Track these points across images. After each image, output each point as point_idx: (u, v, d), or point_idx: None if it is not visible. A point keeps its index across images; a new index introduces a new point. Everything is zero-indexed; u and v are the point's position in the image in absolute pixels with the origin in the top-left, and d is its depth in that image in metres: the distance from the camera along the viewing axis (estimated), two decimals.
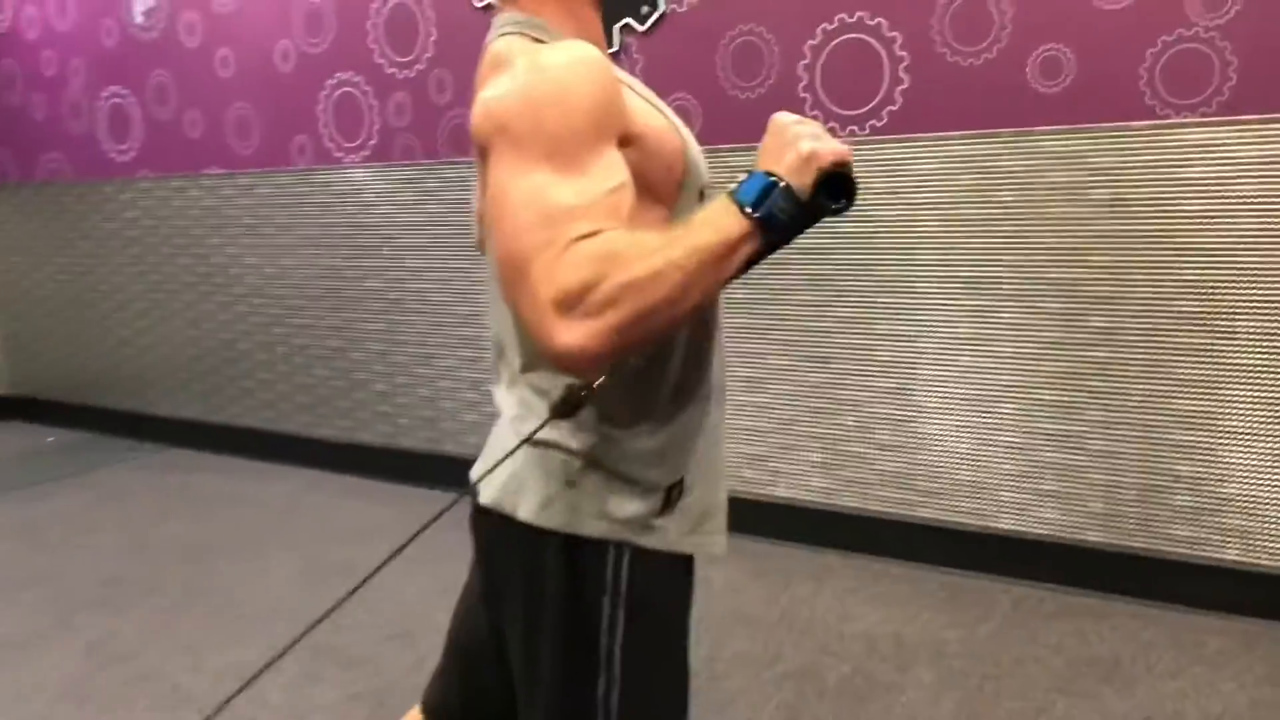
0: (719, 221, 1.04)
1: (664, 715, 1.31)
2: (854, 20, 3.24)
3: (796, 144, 1.07)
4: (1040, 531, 3.19)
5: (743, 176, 1.06)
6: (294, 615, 3.11)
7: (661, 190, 1.19)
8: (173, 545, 3.86)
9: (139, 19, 4.92)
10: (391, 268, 4.37)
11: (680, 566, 1.32)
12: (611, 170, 1.07)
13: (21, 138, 5.51)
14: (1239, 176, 2.77)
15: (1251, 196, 2.77)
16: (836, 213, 1.08)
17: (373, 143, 4.33)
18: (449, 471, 4.36)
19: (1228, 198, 2.80)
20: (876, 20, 3.20)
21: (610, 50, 3.62)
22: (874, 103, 3.25)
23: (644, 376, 1.25)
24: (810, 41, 3.31)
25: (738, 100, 3.45)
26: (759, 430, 3.58)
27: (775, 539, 3.55)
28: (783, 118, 1.12)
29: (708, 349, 1.31)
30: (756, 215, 1.03)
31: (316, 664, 2.84)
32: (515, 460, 1.27)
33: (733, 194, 1.05)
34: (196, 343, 5.06)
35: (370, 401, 4.56)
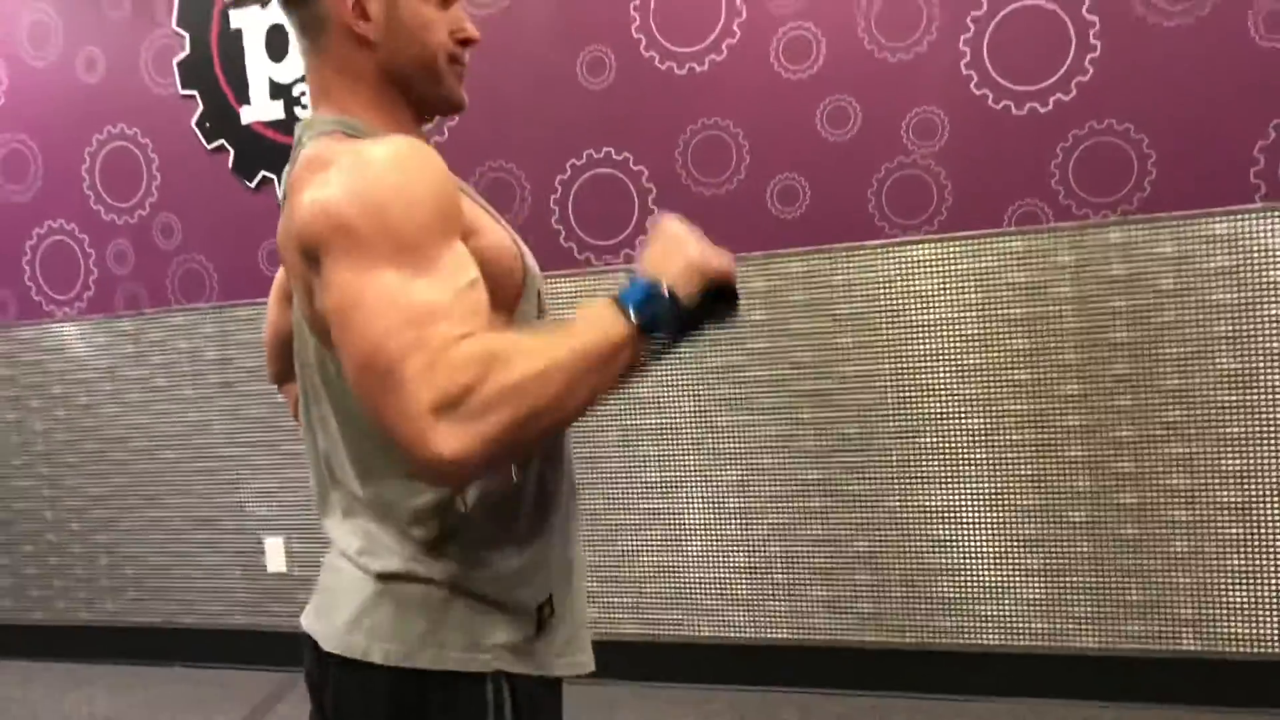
0: (603, 324, 1.02)
1: None
2: (601, 155, 3.36)
3: (684, 250, 1.08)
4: (816, 638, 3.27)
5: (625, 279, 1.05)
6: None
7: (502, 295, 1.14)
8: None
9: None
10: (113, 426, 4.02)
11: (555, 691, 1.25)
12: (463, 264, 1.02)
13: None
14: (963, 286, 3.05)
15: (975, 304, 3.04)
16: (718, 322, 1.10)
17: (89, 294, 4.03)
18: (190, 646, 4.00)
19: (954, 306, 3.06)
20: (624, 155, 3.33)
21: None
22: (626, 233, 3.35)
23: (504, 486, 1.18)
24: (560, 176, 3.40)
25: None
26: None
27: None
28: (670, 225, 1.12)
29: (562, 445, 1.27)
30: (640, 319, 1.02)
31: None
32: (362, 598, 1.16)
33: (617, 297, 1.03)
34: None
35: (93, 576, 4.13)
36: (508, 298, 1.16)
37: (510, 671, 1.16)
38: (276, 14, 3.65)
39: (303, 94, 3.66)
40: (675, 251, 1.09)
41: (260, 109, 3.73)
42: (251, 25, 3.69)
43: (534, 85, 3.38)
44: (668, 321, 1.04)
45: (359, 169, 1.01)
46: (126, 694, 3.76)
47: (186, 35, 3.79)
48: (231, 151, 3.78)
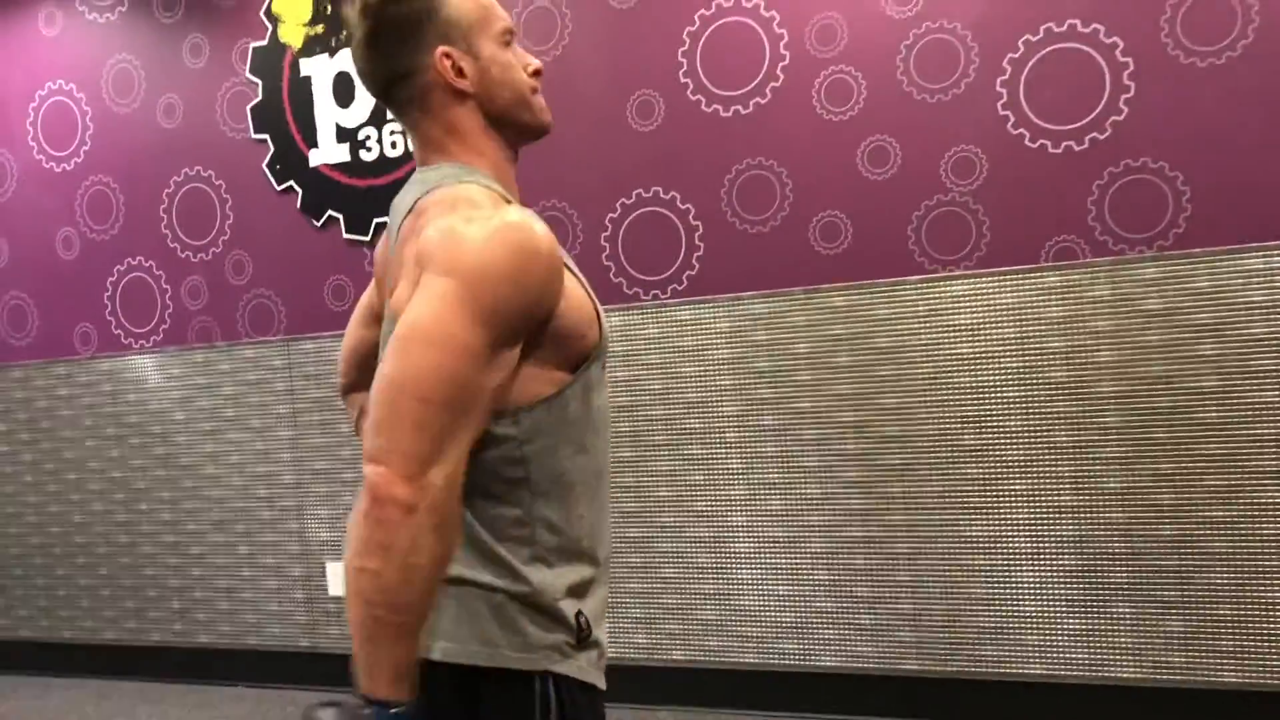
0: (402, 670, 1.17)
1: None
2: (650, 194, 3.49)
3: None
4: (859, 666, 3.32)
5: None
6: None
7: (570, 356, 1.28)
8: None
9: None
10: (184, 454, 4.21)
11: (594, 697, 1.35)
12: (507, 364, 1.21)
13: None
14: (1001, 320, 3.11)
15: (1013, 338, 3.11)
16: None
17: (165, 327, 4.23)
18: (252, 666, 4.14)
19: (993, 340, 3.13)
20: (670, 194, 3.46)
21: None
22: (674, 269, 3.47)
23: (564, 509, 1.31)
24: (610, 214, 3.54)
25: None
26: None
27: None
28: None
29: (603, 492, 1.39)
30: (382, 701, 1.16)
31: None
32: None
33: (403, 706, 1.17)
34: None
35: (164, 598, 4.30)
36: (574, 358, 1.30)
37: (556, 672, 1.27)
38: (343, 62, 3.85)
39: (367, 138, 3.85)
40: None
41: (327, 152, 3.92)
42: (320, 73, 3.89)
43: (586, 127, 3.53)
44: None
45: (497, 232, 1.18)
46: (194, 712, 3.91)
47: (259, 83, 4.01)
48: (300, 192, 3.98)
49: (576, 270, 1.34)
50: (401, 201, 1.37)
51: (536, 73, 1.42)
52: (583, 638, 1.31)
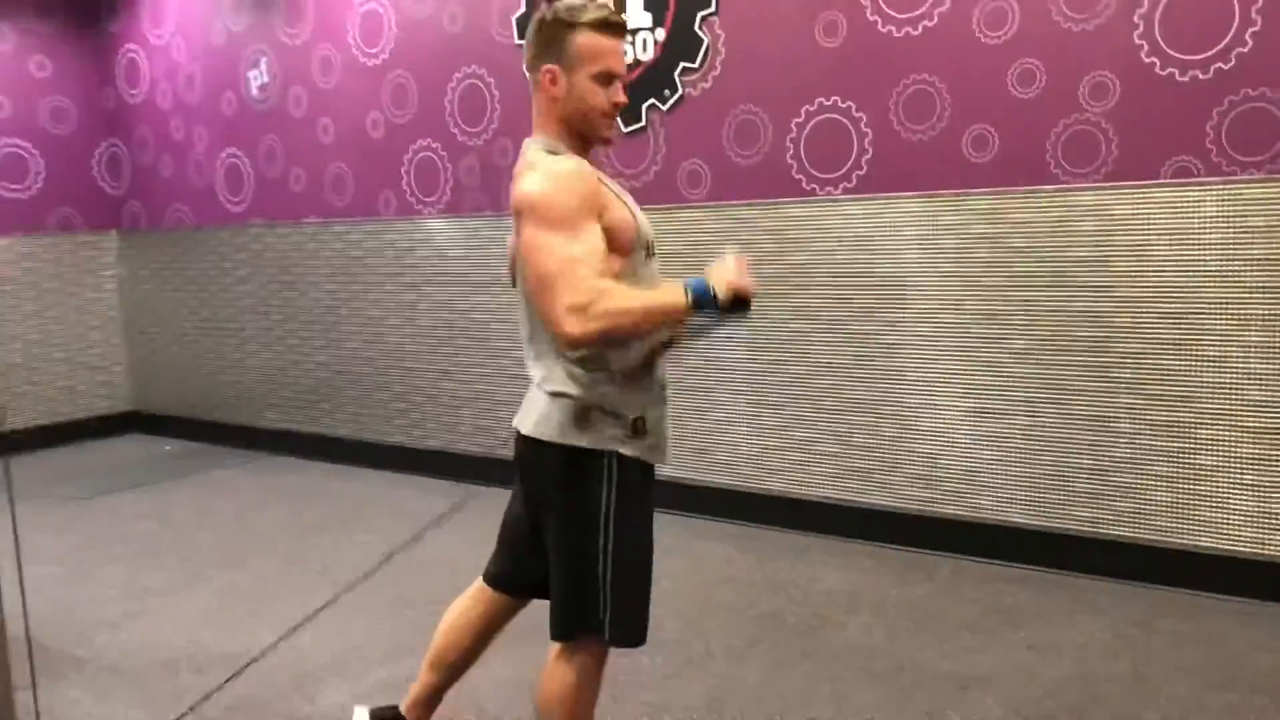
0: (672, 294, 1.92)
1: (638, 561, 2.12)
2: (830, 103, 4.05)
3: (730, 274, 1.94)
4: (978, 515, 3.92)
5: (697, 275, 1.91)
6: (372, 576, 3.95)
7: (620, 244, 2.01)
8: (276, 526, 4.73)
9: (255, 93, 5.90)
10: (460, 302, 5.23)
11: (641, 469, 2.11)
12: (595, 235, 1.93)
13: (153, 191, 6.55)
14: (1120, 230, 3.52)
15: (1129, 246, 3.51)
16: (734, 319, 1.96)
17: (446, 198, 5.22)
18: (503, 471, 5.18)
19: (1112, 248, 3.54)
20: (848, 103, 4.01)
21: (638, 125, 4.47)
22: (845, 168, 4.05)
23: (622, 353, 2.06)
24: (795, 119, 4.13)
25: (739, 166, 4.28)
26: (754, 434, 4.36)
27: (765, 524, 4.32)
28: (729, 259, 1.98)
29: (657, 350, 2.12)
30: (692, 299, 1.90)
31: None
32: (541, 406, 2.07)
33: (686, 284, 1.91)
34: (296, 365, 5.98)
35: (436, 414, 5.42)
36: (624, 246, 2.04)
37: (619, 451, 2.05)
38: None
39: None
40: (727, 273, 1.94)
41: None
42: None
43: (779, 44, 4.11)
44: (706, 307, 1.91)
45: (546, 175, 1.95)
46: (451, 498, 4.97)
47: None
48: None
49: (618, 189, 2.06)
50: (521, 155, 2.11)
51: (616, 105, 2.08)
52: (637, 432, 2.06)
